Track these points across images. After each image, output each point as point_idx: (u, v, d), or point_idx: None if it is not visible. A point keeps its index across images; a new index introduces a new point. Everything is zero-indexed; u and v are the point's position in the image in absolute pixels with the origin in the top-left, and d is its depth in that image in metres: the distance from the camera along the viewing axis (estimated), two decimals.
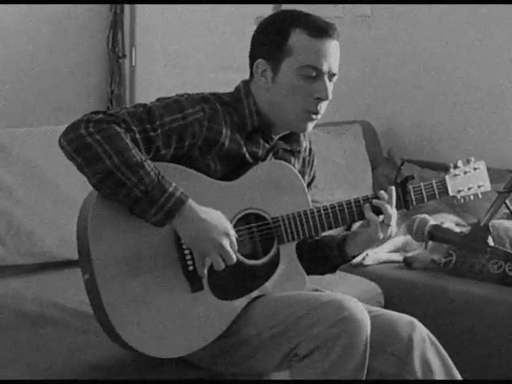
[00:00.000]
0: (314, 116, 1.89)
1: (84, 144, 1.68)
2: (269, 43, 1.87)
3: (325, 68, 1.85)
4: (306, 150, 2.05)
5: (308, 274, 1.97)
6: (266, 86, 1.88)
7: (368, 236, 1.91)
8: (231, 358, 1.86)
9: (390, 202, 1.90)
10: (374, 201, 1.91)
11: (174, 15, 4.78)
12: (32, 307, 2.23)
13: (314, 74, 1.85)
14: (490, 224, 1.95)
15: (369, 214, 1.90)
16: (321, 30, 1.84)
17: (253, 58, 1.91)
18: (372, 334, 1.77)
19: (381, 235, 1.89)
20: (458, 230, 2.38)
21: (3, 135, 2.62)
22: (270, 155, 1.94)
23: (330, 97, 1.87)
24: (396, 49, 3.97)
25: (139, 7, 4.94)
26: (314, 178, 2.10)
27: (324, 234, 2.01)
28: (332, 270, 2.04)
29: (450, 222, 2.95)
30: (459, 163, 2.03)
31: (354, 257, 1.99)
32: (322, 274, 2.06)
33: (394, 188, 1.92)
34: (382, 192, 1.92)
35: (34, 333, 2.07)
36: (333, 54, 1.86)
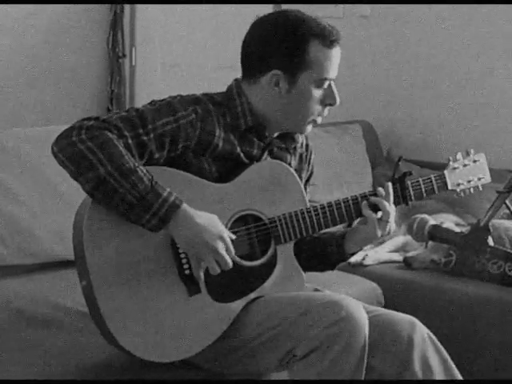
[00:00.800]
0: (318, 119, 1.91)
1: (76, 151, 1.67)
2: (287, 55, 1.84)
3: (334, 76, 1.88)
4: (302, 145, 2.05)
5: (307, 271, 1.96)
6: (278, 95, 1.88)
7: (366, 233, 1.90)
8: (230, 359, 1.86)
9: (387, 198, 1.90)
10: (372, 198, 1.90)
11: (174, 15, 4.78)
12: (32, 307, 2.23)
13: (327, 84, 1.88)
14: (490, 224, 1.94)
15: (366, 211, 1.89)
16: (333, 40, 1.86)
17: (263, 65, 1.87)
18: (372, 334, 1.77)
19: (379, 232, 1.88)
20: (458, 229, 2.38)
21: (3, 135, 2.63)
22: (266, 154, 1.94)
23: (339, 101, 1.90)
24: (396, 49, 3.97)
25: (139, 7, 4.94)
26: (312, 173, 2.09)
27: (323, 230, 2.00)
28: (330, 267, 2.03)
29: (449, 222, 2.95)
30: (458, 156, 2.02)
31: (353, 254, 1.99)
32: (322, 270, 2.05)
33: (390, 184, 1.92)
34: (380, 189, 1.91)
35: (34, 333, 2.07)
36: (338, 59, 1.89)
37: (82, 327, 2.08)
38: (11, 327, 2.12)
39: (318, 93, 1.87)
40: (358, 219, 1.96)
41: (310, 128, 1.94)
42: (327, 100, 1.89)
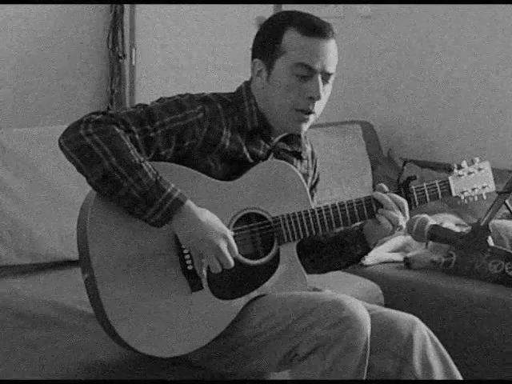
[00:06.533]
0: (306, 116, 1.88)
1: (83, 145, 1.69)
2: (264, 43, 1.88)
3: (317, 67, 1.84)
4: (307, 152, 2.05)
5: (329, 271, 2.02)
6: (262, 86, 1.89)
7: (382, 230, 1.90)
8: (231, 357, 1.86)
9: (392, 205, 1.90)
10: (380, 210, 1.88)
11: (174, 15, 4.78)
12: (32, 307, 2.23)
13: (307, 73, 1.85)
14: (490, 224, 1.95)
15: (381, 218, 1.88)
16: (314, 29, 1.84)
17: (251, 58, 1.92)
18: (372, 332, 1.77)
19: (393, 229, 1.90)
20: (458, 229, 2.38)
21: (3, 135, 2.62)
22: (271, 156, 1.94)
23: (322, 96, 1.87)
24: (396, 49, 3.97)
25: (139, 7, 4.94)
26: (318, 180, 2.10)
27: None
28: (356, 261, 2.02)
29: (449, 222, 2.95)
30: (463, 164, 2.02)
31: (375, 244, 1.98)
32: (346, 266, 2.04)
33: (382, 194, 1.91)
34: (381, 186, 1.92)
35: (34, 333, 2.07)
36: (327, 53, 1.85)
37: (82, 327, 2.08)
38: (11, 327, 2.12)
39: (295, 82, 1.84)
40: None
41: (303, 126, 1.90)
42: (308, 93, 1.85)
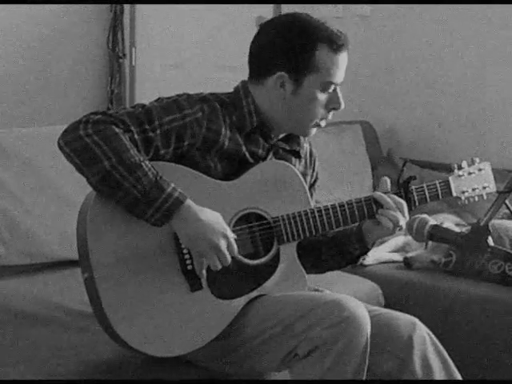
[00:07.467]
0: (322, 123, 1.94)
1: (82, 145, 1.68)
2: (294, 58, 1.86)
3: (338, 80, 1.90)
4: (306, 151, 2.06)
5: (328, 271, 2.02)
6: (283, 97, 1.89)
7: (382, 230, 1.90)
8: (231, 357, 1.86)
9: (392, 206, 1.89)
10: (380, 210, 1.89)
11: (174, 15, 4.78)
12: (32, 307, 2.23)
13: (333, 88, 1.89)
14: (490, 224, 1.94)
15: (381, 218, 1.88)
16: (341, 45, 1.87)
17: (269, 66, 1.88)
18: (372, 334, 1.77)
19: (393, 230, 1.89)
20: (457, 229, 2.38)
21: (3, 135, 2.63)
22: (271, 154, 1.95)
23: (343, 106, 1.92)
24: (396, 49, 3.97)
25: (139, 7, 4.94)
26: (316, 179, 2.10)
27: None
28: (353, 262, 2.02)
29: (450, 222, 2.95)
30: (463, 164, 2.02)
31: (373, 244, 1.99)
32: (344, 266, 2.05)
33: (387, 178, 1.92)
34: (378, 194, 1.92)
35: (34, 333, 2.07)
36: (345, 64, 1.91)
37: (83, 327, 2.08)
38: (11, 327, 2.12)
39: (322, 96, 1.89)
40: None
41: (314, 131, 1.96)
42: (331, 104, 1.91)
